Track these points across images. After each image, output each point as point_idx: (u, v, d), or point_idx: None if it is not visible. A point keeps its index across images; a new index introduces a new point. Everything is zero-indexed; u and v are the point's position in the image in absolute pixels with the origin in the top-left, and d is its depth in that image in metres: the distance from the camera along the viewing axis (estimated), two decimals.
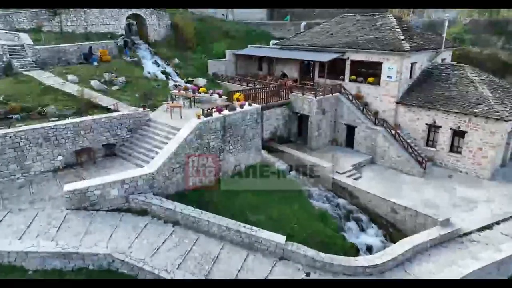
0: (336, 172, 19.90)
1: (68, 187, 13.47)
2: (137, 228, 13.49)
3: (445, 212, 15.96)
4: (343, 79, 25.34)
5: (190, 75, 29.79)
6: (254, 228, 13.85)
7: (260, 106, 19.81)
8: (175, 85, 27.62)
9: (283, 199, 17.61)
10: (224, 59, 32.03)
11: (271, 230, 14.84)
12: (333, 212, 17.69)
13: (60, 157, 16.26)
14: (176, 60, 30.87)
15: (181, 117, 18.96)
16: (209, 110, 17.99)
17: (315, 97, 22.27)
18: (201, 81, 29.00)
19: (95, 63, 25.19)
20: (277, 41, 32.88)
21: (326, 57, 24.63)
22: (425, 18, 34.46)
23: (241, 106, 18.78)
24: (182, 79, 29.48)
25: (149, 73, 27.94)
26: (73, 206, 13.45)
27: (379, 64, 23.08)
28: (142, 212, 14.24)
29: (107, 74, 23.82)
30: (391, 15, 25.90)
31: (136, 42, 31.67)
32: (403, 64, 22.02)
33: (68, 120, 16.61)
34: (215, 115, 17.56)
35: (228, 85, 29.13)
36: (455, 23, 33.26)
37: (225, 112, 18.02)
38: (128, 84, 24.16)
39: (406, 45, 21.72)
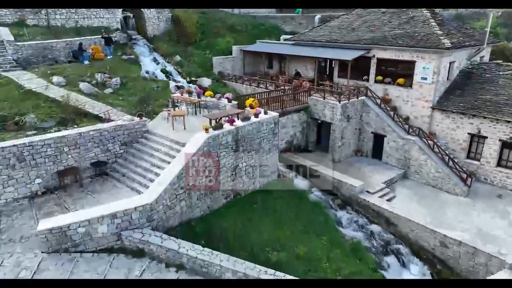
0: (367, 191, 16.97)
1: (43, 224, 10.58)
2: (131, 275, 10.63)
3: (509, 248, 13.08)
4: (367, 80, 22.31)
5: (193, 74, 26.75)
6: (278, 273, 11.05)
7: (277, 114, 16.83)
8: (177, 86, 24.65)
9: (308, 228, 14.77)
10: (230, 56, 28.95)
11: (299, 273, 12.08)
12: (367, 243, 14.82)
13: (38, 180, 13.37)
14: (178, 57, 27.80)
15: (184, 128, 16.05)
16: (218, 121, 15.04)
17: (339, 102, 19.26)
18: (206, 81, 25.99)
19: (86, 62, 22.17)
20: (290, 36, 29.73)
21: (349, 54, 21.57)
22: (451, 10, 31.29)
23: (256, 115, 15.83)
24: (184, 78, 26.45)
25: (148, 72, 24.89)
26: (51, 248, 10.62)
27: (412, 63, 20.05)
28: (138, 253, 11.36)
29: (100, 74, 20.81)
30: None
31: (133, 37, 28.58)
32: (441, 63, 18.99)
33: (48, 135, 13.64)
34: (226, 126, 14.62)
35: (235, 85, 26.12)
36: (485, 15, 30.16)
37: (238, 122, 15.08)
38: (124, 86, 21.17)
39: (446, 42, 18.67)
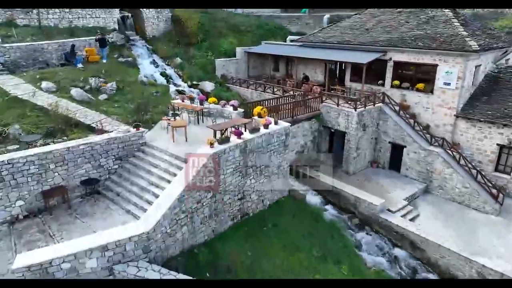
0: (388, 210, 15.33)
1: (21, 260, 8.94)
2: None
3: None
4: (383, 84, 20.68)
5: (194, 78, 25.11)
6: None
7: (288, 124, 15.20)
8: (178, 91, 23.01)
9: (325, 253, 13.15)
10: (234, 58, 27.31)
11: None
12: (392, 271, 13.18)
13: (19, 203, 11.74)
14: (178, 59, 26.16)
15: (186, 140, 14.42)
16: (223, 133, 13.42)
17: (355, 109, 17.61)
18: (208, 85, 24.37)
19: (80, 65, 20.51)
20: (298, 37, 28.07)
21: (364, 57, 19.93)
22: (466, 10, 29.60)
23: (266, 126, 14.19)
24: (185, 82, 24.81)
25: (146, 76, 23.23)
26: None
27: (433, 67, 18.42)
28: None
29: (94, 79, 19.15)
30: None
31: (131, 38, 26.89)
32: (467, 67, 17.34)
33: (32, 151, 11.99)
34: (233, 139, 12.99)
35: (240, 90, 24.50)
36: (504, 14, 28.59)
37: (246, 135, 13.44)
38: (120, 91, 19.50)
39: (473, 44, 17.03)
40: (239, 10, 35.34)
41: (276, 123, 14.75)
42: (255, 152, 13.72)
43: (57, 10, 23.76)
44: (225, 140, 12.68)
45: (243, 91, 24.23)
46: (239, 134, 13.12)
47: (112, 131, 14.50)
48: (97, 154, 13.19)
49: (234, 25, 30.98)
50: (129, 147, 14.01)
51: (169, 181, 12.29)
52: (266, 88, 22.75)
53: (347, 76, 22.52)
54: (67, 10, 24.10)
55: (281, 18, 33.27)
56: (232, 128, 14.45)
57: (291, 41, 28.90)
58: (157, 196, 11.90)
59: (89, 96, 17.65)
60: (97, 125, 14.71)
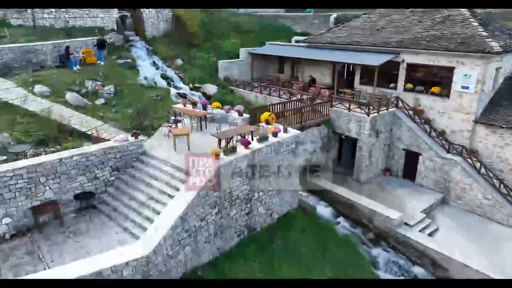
0: (405, 223, 14.28)
1: None
2: None
3: None
4: (395, 88, 19.63)
5: (196, 80, 24.11)
6: None
7: (298, 132, 14.18)
8: (179, 94, 22.00)
9: (339, 273, 12.09)
10: (237, 60, 26.25)
11: None
12: None
13: (6, 220, 10.69)
14: (179, 61, 25.15)
15: (189, 149, 13.36)
16: (229, 141, 12.39)
17: (368, 115, 16.57)
18: (211, 88, 23.35)
19: (76, 67, 19.47)
20: (303, 37, 27.05)
21: (376, 59, 18.90)
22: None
23: (275, 134, 13.15)
24: (186, 85, 23.80)
25: (146, 78, 22.21)
26: None
27: (450, 69, 17.39)
28: None
29: (90, 82, 18.14)
30: None
31: (130, 38, 25.86)
32: (487, 70, 16.30)
33: (20, 163, 10.93)
34: (240, 150, 11.95)
35: (244, 93, 23.45)
36: None
37: (254, 144, 12.39)
38: (118, 95, 18.48)
39: (495, 45, 15.99)
40: (242, 10, 34.31)
41: (285, 130, 13.71)
42: (264, 163, 12.69)
43: (52, 9, 22.74)
44: (231, 150, 11.64)
45: (247, 95, 23.18)
46: (246, 144, 12.09)
47: (109, 139, 13.49)
48: (92, 165, 12.14)
49: (236, 25, 29.96)
50: (127, 157, 12.96)
51: (170, 196, 11.27)
52: (272, 91, 21.69)
53: (356, 79, 21.48)
54: (63, 9, 23.07)
55: (286, 18, 32.24)
56: (238, 136, 13.42)
57: (297, 41, 27.92)
58: (157, 213, 10.90)
59: (85, 101, 16.61)
60: (93, 133, 13.66)
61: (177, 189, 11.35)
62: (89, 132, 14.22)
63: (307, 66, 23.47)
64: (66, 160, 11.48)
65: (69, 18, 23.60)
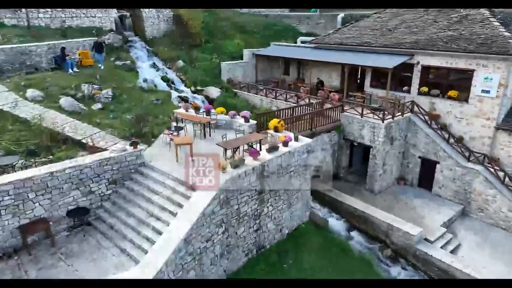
0: (425, 239, 13.23)
1: None
2: None
3: None
4: (408, 91, 18.58)
5: (198, 83, 23.08)
6: None
7: (310, 140, 13.14)
8: (180, 98, 20.97)
9: None
10: (241, 61, 25.20)
11: None
12: None
13: None
14: (180, 62, 24.12)
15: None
16: (235, 152, 11.37)
17: (383, 121, 15.53)
18: (214, 91, 22.30)
19: (72, 70, 18.44)
20: (309, 38, 26.02)
21: (389, 61, 17.85)
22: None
23: (285, 143, 12.10)
24: (188, 87, 22.78)
25: (146, 80, 21.19)
26: None
27: (469, 72, 16.34)
28: None
29: (87, 86, 17.10)
30: None
31: (130, 39, 24.83)
32: (510, 72, 15.24)
33: (5, 177, 9.89)
34: (249, 161, 10.90)
35: (248, 96, 22.42)
36: None
37: (263, 155, 11.35)
38: (116, 99, 17.45)
39: None
40: (245, 9, 33.27)
41: (296, 139, 12.67)
42: (274, 175, 11.66)
43: (48, 9, 21.68)
44: (239, 162, 10.60)
45: (252, 98, 22.15)
46: (255, 155, 11.06)
47: (106, 148, 12.46)
48: (87, 179, 11.10)
49: (240, 25, 28.91)
50: (125, 169, 11.93)
51: (172, 213, 10.25)
52: (278, 94, 20.65)
53: (367, 82, 20.41)
54: (59, 9, 22.02)
55: (290, 18, 31.18)
56: (246, 145, 12.40)
57: (302, 42, 26.89)
58: (157, 232, 9.90)
59: (80, 106, 15.57)
60: (88, 143, 12.62)
61: (180, 206, 10.34)
62: (84, 141, 13.17)
63: (315, 68, 22.41)
64: (57, 174, 10.44)
65: (65, 17, 22.56)
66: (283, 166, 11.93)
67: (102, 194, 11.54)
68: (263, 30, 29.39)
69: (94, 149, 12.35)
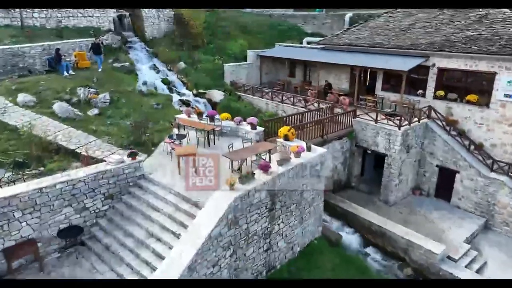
0: (448, 257, 12.19)
1: None
2: None
3: None
4: (423, 95, 17.55)
5: (201, 85, 22.08)
6: None
7: (324, 150, 12.09)
8: (182, 101, 19.99)
9: None
10: (245, 63, 24.19)
11: None
12: None
13: None
14: (182, 64, 23.14)
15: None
16: (243, 164, 10.33)
17: (399, 128, 14.50)
18: (217, 94, 21.30)
19: (67, 73, 17.44)
20: (316, 38, 25.02)
21: (403, 63, 16.85)
22: None
23: (298, 154, 11.06)
24: (190, 90, 21.78)
25: (145, 83, 20.19)
26: None
27: (490, 75, 15.31)
28: None
29: (82, 89, 16.12)
30: None
31: (129, 39, 23.84)
32: None
33: None
34: (259, 175, 9.86)
35: (253, 99, 21.42)
36: None
37: (274, 168, 10.30)
38: (114, 104, 16.46)
39: None
40: (248, 9, 32.26)
41: (309, 149, 11.63)
42: (286, 189, 10.62)
43: (45, 9, 20.68)
44: (249, 178, 9.56)
45: (256, 101, 21.15)
46: (266, 168, 10.01)
47: (102, 159, 11.46)
48: (80, 194, 10.07)
49: (243, 25, 27.91)
50: (122, 182, 10.91)
51: (174, 234, 9.23)
52: (284, 98, 19.62)
53: (378, 84, 19.38)
54: (55, 8, 21.00)
55: (295, 18, 30.16)
56: (255, 156, 11.38)
57: (308, 43, 25.87)
58: (158, 255, 8.91)
59: (75, 112, 14.56)
60: (81, 153, 11.60)
61: (183, 225, 9.33)
62: (78, 150, 12.16)
63: (322, 70, 21.37)
64: (47, 190, 9.41)
65: (61, 17, 21.59)
66: (295, 180, 10.89)
67: (97, 211, 10.51)
68: (267, 30, 28.39)
69: (87, 161, 11.33)
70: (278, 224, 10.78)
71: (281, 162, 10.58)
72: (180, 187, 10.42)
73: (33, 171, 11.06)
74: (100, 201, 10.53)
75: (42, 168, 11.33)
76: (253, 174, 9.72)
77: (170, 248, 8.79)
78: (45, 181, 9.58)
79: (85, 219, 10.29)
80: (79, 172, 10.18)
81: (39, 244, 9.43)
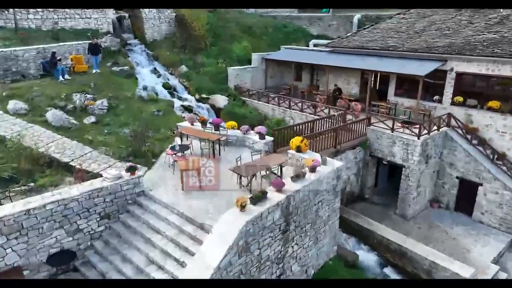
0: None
1: None
2: None
3: None
4: (440, 101, 16.56)
5: (203, 90, 21.10)
6: None
7: (340, 163, 11.08)
8: (184, 107, 19.02)
9: None
10: (249, 66, 23.19)
11: None
12: None
13: None
14: (184, 68, 22.17)
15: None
16: (251, 179, 9.34)
17: (418, 137, 13.48)
18: (221, 100, 20.33)
19: (63, 77, 16.46)
20: (323, 41, 24.06)
21: (419, 67, 15.86)
22: None
23: (313, 169, 10.05)
24: (192, 95, 20.82)
25: (146, 88, 19.22)
26: None
27: None
28: None
29: (79, 95, 15.14)
30: None
31: (128, 42, 22.87)
32: None
33: None
34: (272, 195, 8.84)
35: (258, 105, 20.43)
36: None
37: (288, 185, 9.29)
38: (113, 110, 15.49)
39: None
40: (251, 9, 31.31)
41: (324, 162, 10.62)
42: (300, 208, 9.62)
43: (39, 9, 19.71)
44: (261, 197, 8.54)
45: (262, 107, 20.16)
46: (280, 186, 8.99)
47: (98, 173, 10.48)
48: (73, 214, 9.06)
49: (247, 27, 26.92)
50: (120, 200, 9.90)
51: (178, 261, 8.24)
52: (292, 104, 18.62)
53: (391, 89, 18.37)
54: (51, 9, 20.04)
55: (300, 19, 29.18)
56: (266, 171, 10.38)
57: (315, 45, 24.91)
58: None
59: (70, 120, 13.55)
60: (75, 167, 10.59)
61: (187, 251, 8.34)
62: (73, 163, 11.16)
63: (331, 74, 20.32)
64: (36, 211, 8.41)
65: (58, 19, 20.57)
66: (311, 197, 9.89)
67: (92, 232, 9.51)
68: (272, 32, 27.40)
69: (83, 175, 10.33)
70: (292, 247, 9.77)
71: (295, 179, 9.57)
72: (184, 206, 9.42)
73: (22, 188, 10.05)
74: (96, 221, 9.52)
75: (32, 184, 10.32)
76: (265, 193, 8.71)
77: (173, 278, 7.78)
78: (33, 202, 8.57)
79: (78, 241, 9.29)
80: (72, 190, 9.16)
81: (25, 272, 8.43)
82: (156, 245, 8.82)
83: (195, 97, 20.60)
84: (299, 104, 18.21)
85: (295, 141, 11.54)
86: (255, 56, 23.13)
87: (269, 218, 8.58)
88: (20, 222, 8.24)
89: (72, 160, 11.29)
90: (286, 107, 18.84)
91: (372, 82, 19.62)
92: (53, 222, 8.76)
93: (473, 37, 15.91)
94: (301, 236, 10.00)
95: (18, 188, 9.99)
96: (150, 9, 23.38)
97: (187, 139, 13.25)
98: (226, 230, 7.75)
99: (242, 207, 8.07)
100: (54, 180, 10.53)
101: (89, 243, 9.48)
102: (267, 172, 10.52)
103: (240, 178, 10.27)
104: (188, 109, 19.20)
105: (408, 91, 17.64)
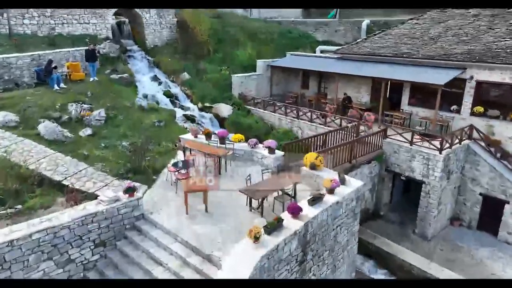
0: None
1: None
2: None
3: None
4: (458, 111, 15.61)
5: (206, 98, 20.14)
6: None
7: (361, 183, 10.05)
8: (186, 117, 18.10)
9: None
10: (254, 73, 22.25)
11: None
12: None
13: None
14: (186, 75, 21.26)
15: (206, 210, 9.28)
16: (263, 201, 8.31)
17: (440, 151, 12.48)
18: (225, 109, 19.35)
19: (58, 86, 15.50)
20: (330, 47, 23.17)
21: (436, 76, 14.94)
22: None
23: (331, 191, 9.03)
24: (195, 104, 19.90)
25: (146, 96, 18.33)
26: None
27: None
28: None
29: (74, 106, 14.20)
30: None
31: (128, 48, 22.00)
32: None
33: None
34: (288, 222, 7.82)
35: (264, 114, 19.45)
36: None
37: (305, 210, 8.26)
38: (111, 121, 14.52)
39: None
40: (255, 14, 30.48)
41: (343, 181, 9.61)
42: (318, 235, 8.59)
43: (35, 14, 18.86)
44: (276, 226, 7.53)
45: (268, 116, 19.18)
46: (296, 212, 7.97)
47: (93, 194, 9.48)
48: (64, 243, 8.04)
49: (251, 33, 25.99)
50: (117, 225, 8.88)
51: None
52: (301, 113, 17.65)
53: (405, 99, 17.42)
54: (47, 14, 19.18)
55: (306, 25, 28.29)
56: (279, 192, 9.37)
57: (322, 52, 24.01)
58: None
59: (64, 133, 12.55)
60: (68, 188, 9.59)
61: None
62: (65, 182, 10.16)
63: (340, 81, 19.35)
64: (20, 242, 7.39)
65: (55, 24, 19.68)
66: (329, 222, 8.87)
67: (85, 262, 8.47)
68: (277, 38, 26.48)
69: (76, 197, 9.33)
70: (309, 277, 8.73)
71: (313, 202, 8.55)
72: (188, 233, 8.40)
73: (8, 211, 9.04)
74: (89, 249, 8.49)
75: (19, 206, 9.31)
76: (281, 220, 7.69)
77: None
78: (17, 230, 7.54)
79: (69, 273, 8.25)
80: (63, 216, 8.14)
81: None
82: (157, 278, 7.78)
83: (197, 106, 19.67)
84: (308, 114, 17.24)
85: (309, 157, 10.53)
86: (260, 63, 22.21)
87: (286, 249, 7.55)
88: (2, 255, 7.21)
89: (65, 178, 10.30)
90: (294, 117, 17.86)
91: (385, 90, 18.66)
92: (41, 254, 7.73)
93: (495, 43, 14.98)
94: (318, 265, 8.96)
95: (4, 212, 8.98)
96: (151, 14, 22.54)
97: (191, 153, 12.24)
98: (239, 266, 6.72)
99: (256, 239, 7.05)
100: (45, 201, 9.53)
101: (82, 274, 8.43)
102: (279, 193, 9.53)
103: (251, 200, 9.28)
104: (191, 118, 18.25)
105: (422, 101, 16.72)
